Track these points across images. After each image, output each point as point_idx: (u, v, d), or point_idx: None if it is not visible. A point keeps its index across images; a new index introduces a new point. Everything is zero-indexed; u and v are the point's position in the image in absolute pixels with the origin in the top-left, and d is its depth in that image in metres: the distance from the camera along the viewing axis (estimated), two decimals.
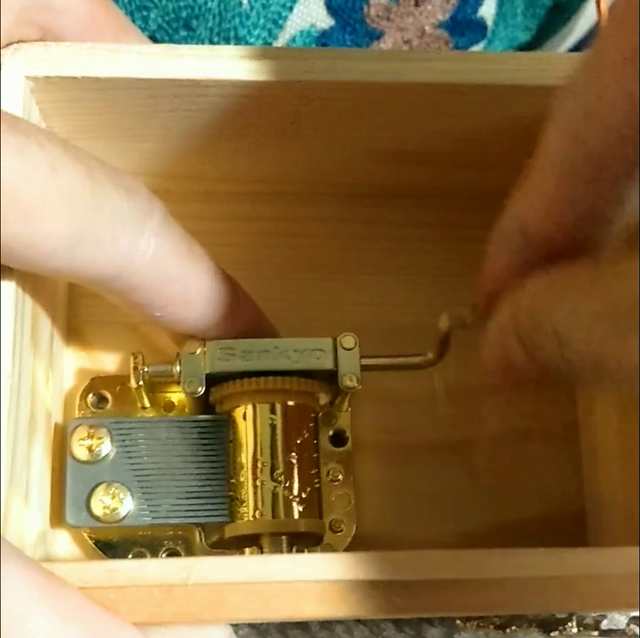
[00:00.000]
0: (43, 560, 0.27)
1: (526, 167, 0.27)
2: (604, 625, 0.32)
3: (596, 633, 0.32)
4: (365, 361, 0.31)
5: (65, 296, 0.34)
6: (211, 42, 0.43)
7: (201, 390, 0.30)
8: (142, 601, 0.25)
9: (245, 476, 0.30)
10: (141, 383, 0.31)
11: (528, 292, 0.27)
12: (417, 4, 0.44)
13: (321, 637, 0.32)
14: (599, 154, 0.24)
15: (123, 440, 0.31)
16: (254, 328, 0.31)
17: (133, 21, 0.39)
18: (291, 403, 0.31)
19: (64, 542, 0.31)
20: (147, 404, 0.32)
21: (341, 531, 0.32)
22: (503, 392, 0.31)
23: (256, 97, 0.30)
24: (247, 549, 0.31)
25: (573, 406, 0.35)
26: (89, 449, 0.31)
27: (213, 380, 0.31)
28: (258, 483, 0.30)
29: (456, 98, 0.31)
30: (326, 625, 0.32)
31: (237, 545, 0.31)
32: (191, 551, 0.31)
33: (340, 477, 0.32)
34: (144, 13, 0.42)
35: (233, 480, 0.30)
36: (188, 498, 0.30)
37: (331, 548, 0.32)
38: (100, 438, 0.31)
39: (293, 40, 0.44)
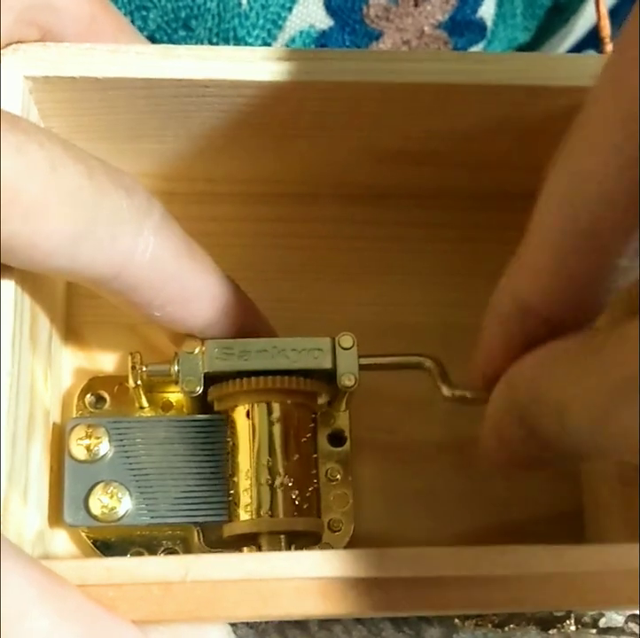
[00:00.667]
0: (42, 559, 0.27)
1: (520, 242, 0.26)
2: (603, 623, 0.32)
3: (594, 631, 0.32)
4: (363, 361, 0.31)
5: (63, 296, 0.34)
6: (210, 43, 0.43)
7: (199, 389, 0.30)
8: (141, 599, 0.25)
9: (244, 475, 0.30)
10: (139, 382, 0.31)
11: (527, 366, 0.26)
12: (416, 5, 0.44)
13: (319, 637, 0.32)
14: (591, 223, 0.24)
15: (121, 440, 0.31)
16: (253, 327, 0.31)
17: (132, 21, 0.39)
18: (289, 403, 0.31)
19: (62, 542, 0.31)
20: (145, 404, 0.32)
21: (340, 530, 0.32)
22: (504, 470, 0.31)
23: (256, 97, 0.30)
24: (246, 549, 0.31)
25: None
26: (88, 449, 0.31)
27: (211, 380, 0.31)
28: (256, 482, 0.30)
29: (456, 99, 0.31)
30: (325, 624, 0.32)
31: (235, 544, 0.31)
32: (189, 551, 0.31)
33: (339, 476, 0.33)
34: (143, 13, 0.42)
35: (231, 480, 0.30)
36: (186, 498, 0.30)
37: (329, 548, 0.32)
38: (98, 437, 0.31)
39: (293, 40, 0.44)
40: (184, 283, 0.29)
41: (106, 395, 0.33)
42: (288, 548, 0.30)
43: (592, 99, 0.24)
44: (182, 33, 0.43)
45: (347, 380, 0.30)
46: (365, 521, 0.32)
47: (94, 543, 0.31)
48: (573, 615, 0.32)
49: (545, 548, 0.25)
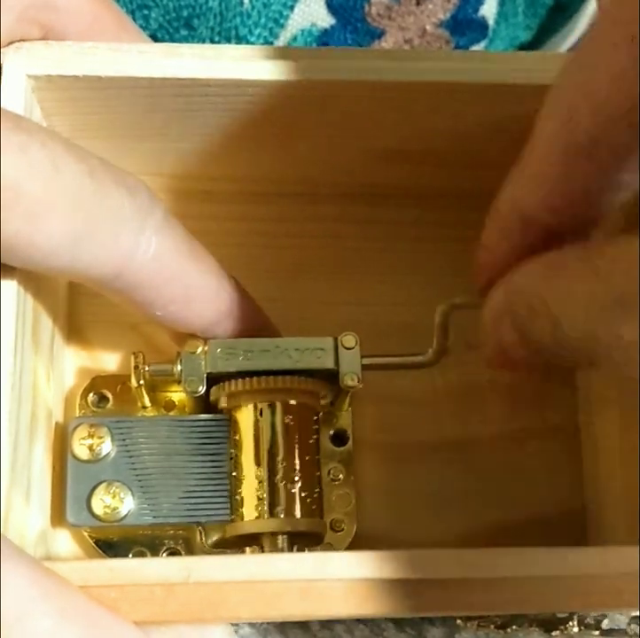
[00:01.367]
0: (44, 559, 0.26)
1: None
2: (605, 624, 0.32)
3: (597, 632, 0.32)
4: (366, 361, 0.31)
5: (66, 295, 0.34)
6: (212, 42, 0.43)
7: (202, 389, 0.30)
8: (143, 600, 0.25)
9: (246, 475, 0.30)
10: (142, 382, 0.31)
11: (522, 275, 0.27)
12: (418, 3, 0.44)
13: (321, 637, 0.32)
14: (592, 136, 0.24)
15: (124, 440, 0.31)
16: (255, 327, 0.31)
17: (134, 20, 0.39)
18: (292, 402, 0.31)
19: (64, 541, 0.31)
20: (148, 403, 0.32)
21: (342, 530, 0.32)
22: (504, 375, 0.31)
23: (258, 96, 0.30)
24: (248, 549, 0.31)
25: (574, 405, 0.35)
26: (90, 448, 0.30)
27: (213, 379, 0.30)
28: (259, 482, 0.30)
29: (457, 98, 0.31)
30: (327, 624, 0.32)
31: (237, 544, 0.31)
32: (191, 551, 0.31)
33: (341, 476, 0.32)
34: (145, 12, 0.42)
35: (234, 480, 0.30)
36: (189, 497, 0.30)
37: (331, 548, 0.32)
38: (101, 437, 0.31)
39: (294, 39, 0.44)
40: (186, 282, 0.29)
41: (109, 395, 0.33)
42: (290, 548, 0.30)
43: (600, 16, 0.25)
44: (183, 32, 0.43)
45: (349, 380, 0.30)
46: (367, 521, 0.32)
47: (96, 543, 0.31)
48: (575, 617, 0.32)
49: (548, 550, 0.25)
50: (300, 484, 0.30)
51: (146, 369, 0.31)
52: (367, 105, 0.31)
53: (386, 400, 0.34)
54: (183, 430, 0.31)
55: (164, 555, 0.31)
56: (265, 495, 0.30)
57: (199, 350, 0.30)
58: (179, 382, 0.30)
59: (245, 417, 0.31)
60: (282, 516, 0.30)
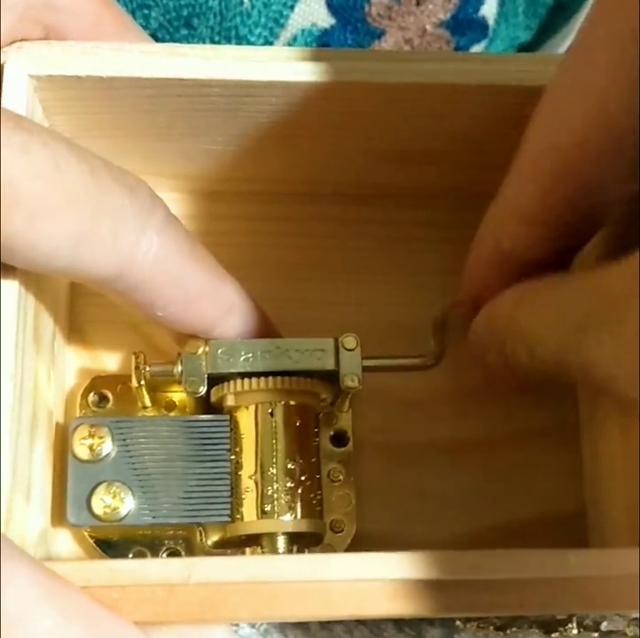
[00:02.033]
0: (45, 559, 0.27)
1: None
2: (605, 626, 0.32)
3: (596, 634, 0.32)
4: (367, 363, 0.31)
5: (66, 295, 0.34)
6: (212, 41, 0.43)
7: (203, 390, 0.30)
8: (144, 600, 0.25)
9: (246, 476, 0.30)
10: (142, 382, 0.31)
11: (500, 302, 0.28)
12: (418, 3, 0.44)
13: (320, 637, 0.32)
14: (573, 163, 0.25)
15: (124, 440, 0.31)
16: (256, 328, 0.31)
17: (134, 19, 0.39)
18: (292, 403, 0.31)
19: (65, 541, 0.31)
20: (148, 404, 0.32)
21: (342, 531, 0.32)
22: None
23: (260, 97, 0.30)
24: (248, 549, 0.31)
25: (574, 406, 0.35)
26: (91, 448, 0.30)
27: (214, 380, 0.31)
28: (259, 483, 0.30)
29: (459, 99, 0.31)
30: (326, 625, 0.32)
31: (237, 545, 0.31)
32: (191, 551, 0.31)
33: (341, 477, 0.32)
34: (145, 11, 0.42)
35: (234, 480, 0.30)
36: (189, 498, 0.30)
37: (331, 549, 0.32)
38: (101, 437, 0.31)
39: (295, 39, 0.44)
40: (188, 283, 0.29)
41: (109, 395, 0.33)
42: (290, 549, 0.30)
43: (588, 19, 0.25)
44: (183, 31, 0.43)
45: (350, 381, 0.30)
46: (367, 522, 0.32)
47: (96, 543, 0.31)
48: (575, 618, 0.32)
49: (549, 552, 0.25)
50: (299, 484, 0.30)
51: (147, 369, 0.31)
52: (369, 106, 0.31)
53: (386, 400, 0.34)
54: (184, 430, 0.31)
55: (164, 555, 0.31)
56: (265, 496, 0.30)
57: (200, 351, 0.30)
58: (180, 382, 0.30)
59: (246, 418, 0.31)
60: (282, 516, 0.30)
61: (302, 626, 0.31)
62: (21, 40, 0.30)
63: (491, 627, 0.32)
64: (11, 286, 0.27)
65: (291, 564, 0.25)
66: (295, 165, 0.35)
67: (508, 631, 0.32)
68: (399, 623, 0.32)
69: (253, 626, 0.31)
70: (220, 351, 0.30)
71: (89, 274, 0.27)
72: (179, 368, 0.30)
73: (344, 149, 0.34)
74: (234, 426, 0.31)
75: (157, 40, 0.42)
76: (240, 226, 0.36)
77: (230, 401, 0.31)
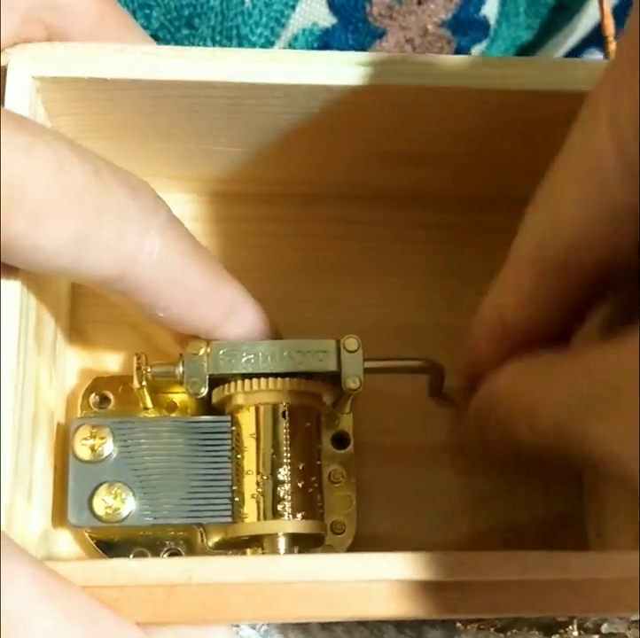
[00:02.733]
0: (46, 559, 0.27)
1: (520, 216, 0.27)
2: (605, 628, 0.32)
3: (596, 636, 0.32)
4: (368, 364, 0.31)
5: (68, 295, 0.34)
6: (213, 41, 0.43)
7: (204, 391, 0.30)
8: (145, 600, 0.25)
9: (248, 477, 0.30)
10: (144, 383, 0.31)
11: (502, 376, 0.28)
12: (419, 3, 0.45)
13: None
14: (562, 264, 0.26)
15: (125, 440, 0.31)
16: (257, 329, 0.31)
17: (135, 20, 0.39)
18: (294, 404, 0.31)
19: (66, 542, 0.31)
20: (149, 404, 0.32)
21: (342, 532, 0.32)
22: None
23: (263, 99, 0.30)
24: (249, 550, 0.31)
25: None
26: (92, 449, 0.30)
27: (216, 381, 0.31)
28: (260, 484, 0.30)
29: (463, 102, 0.31)
30: (327, 626, 0.32)
31: (238, 546, 0.31)
32: (192, 552, 0.31)
33: (342, 478, 0.33)
34: (147, 11, 0.42)
35: (235, 481, 0.30)
36: (190, 498, 0.30)
37: (332, 550, 0.32)
38: (102, 438, 0.31)
39: (296, 39, 0.44)
40: (190, 284, 0.29)
41: (111, 395, 0.33)
42: (291, 550, 0.30)
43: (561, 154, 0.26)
44: (185, 31, 0.43)
45: (351, 383, 0.30)
46: (368, 523, 0.32)
47: (97, 544, 0.31)
48: (575, 620, 0.32)
49: (549, 554, 0.25)
50: (301, 486, 0.30)
51: (148, 370, 0.31)
52: (373, 108, 0.31)
53: (387, 402, 0.34)
54: (185, 431, 0.31)
55: (165, 556, 0.31)
56: (266, 497, 0.30)
57: (202, 352, 0.30)
58: (181, 383, 0.30)
59: (247, 419, 0.31)
60: (283, 517, 0.30)
61: (303, 626, 0.32)
62: (24, 41, 0.30)
63: (492, 629, 0.32)
64: (13, 287, 0.27)
65: (292, 565, 0.25)
66: (297, 166, 0.35)
67: (508, 633, 0.32)
68: (399, 624, 0.32)
69: (253, 626, 0.31)
70: (221, 352, 0.30)
71: (91, 274, 0.27)
72: (180, 369, 0.30)
73: (345, 150, 0.34)
74: (235, 427, 0.31)
75: (158, 40, 0.42)
76: (241, 227, 0.36)
77: (231, 402, 0.31)
